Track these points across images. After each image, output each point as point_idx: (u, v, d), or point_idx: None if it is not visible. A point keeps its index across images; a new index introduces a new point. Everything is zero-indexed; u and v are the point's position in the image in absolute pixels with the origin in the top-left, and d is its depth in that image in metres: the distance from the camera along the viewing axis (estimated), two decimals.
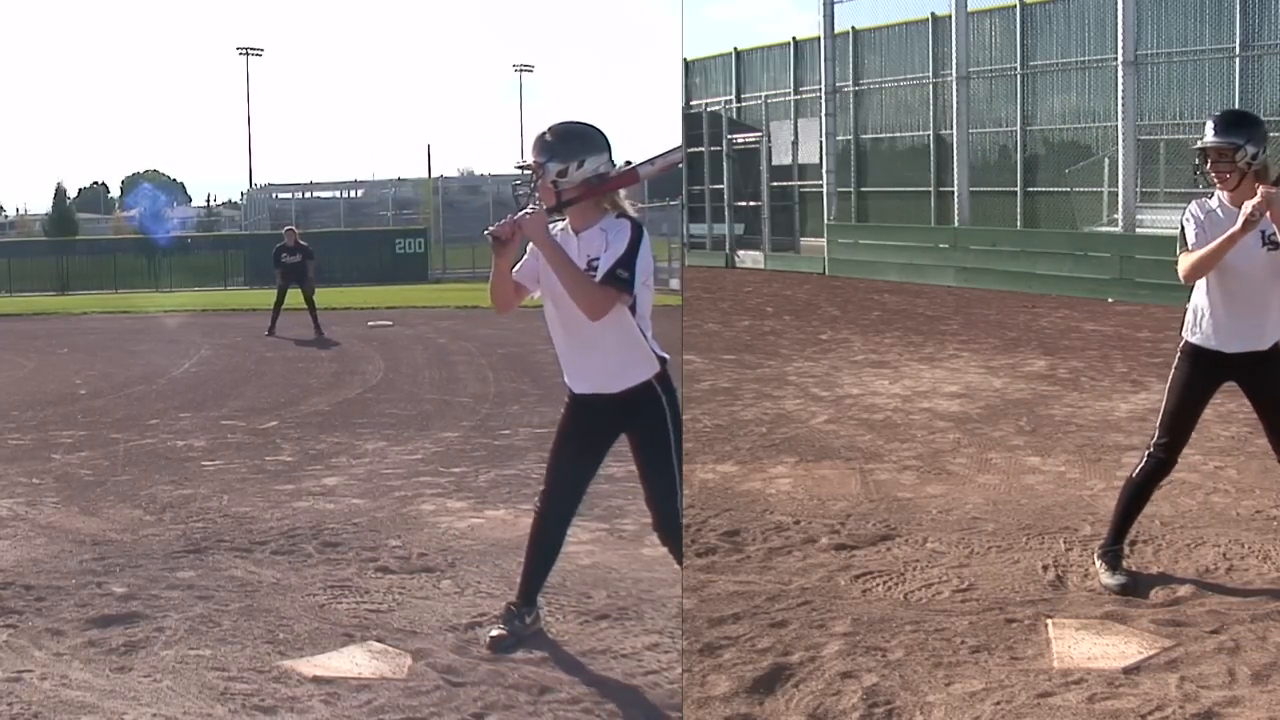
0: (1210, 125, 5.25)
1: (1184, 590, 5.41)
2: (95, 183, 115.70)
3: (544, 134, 4.64)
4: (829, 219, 27.90)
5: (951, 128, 25.67)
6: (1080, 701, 4.27)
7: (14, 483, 8.55)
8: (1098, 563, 5.58)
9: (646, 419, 4.71)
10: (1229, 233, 5.06)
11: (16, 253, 51.61)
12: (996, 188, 25.53)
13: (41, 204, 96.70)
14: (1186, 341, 5.43)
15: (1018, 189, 24.89)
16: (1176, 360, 5.49)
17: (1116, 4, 21.55)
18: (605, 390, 4.72)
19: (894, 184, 28.43)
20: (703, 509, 6.91)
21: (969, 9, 25.42)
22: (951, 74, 25.45)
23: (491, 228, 4.58)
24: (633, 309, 4.62)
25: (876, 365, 12.87)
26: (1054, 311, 18.15)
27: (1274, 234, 5.15)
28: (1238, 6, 21.62)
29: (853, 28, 28.93)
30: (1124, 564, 5.58)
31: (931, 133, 27.23)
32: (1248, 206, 5.03)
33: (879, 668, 4.58)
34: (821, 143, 28.39)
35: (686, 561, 5.92)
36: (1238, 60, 21.56)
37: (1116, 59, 21.54)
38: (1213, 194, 5.35)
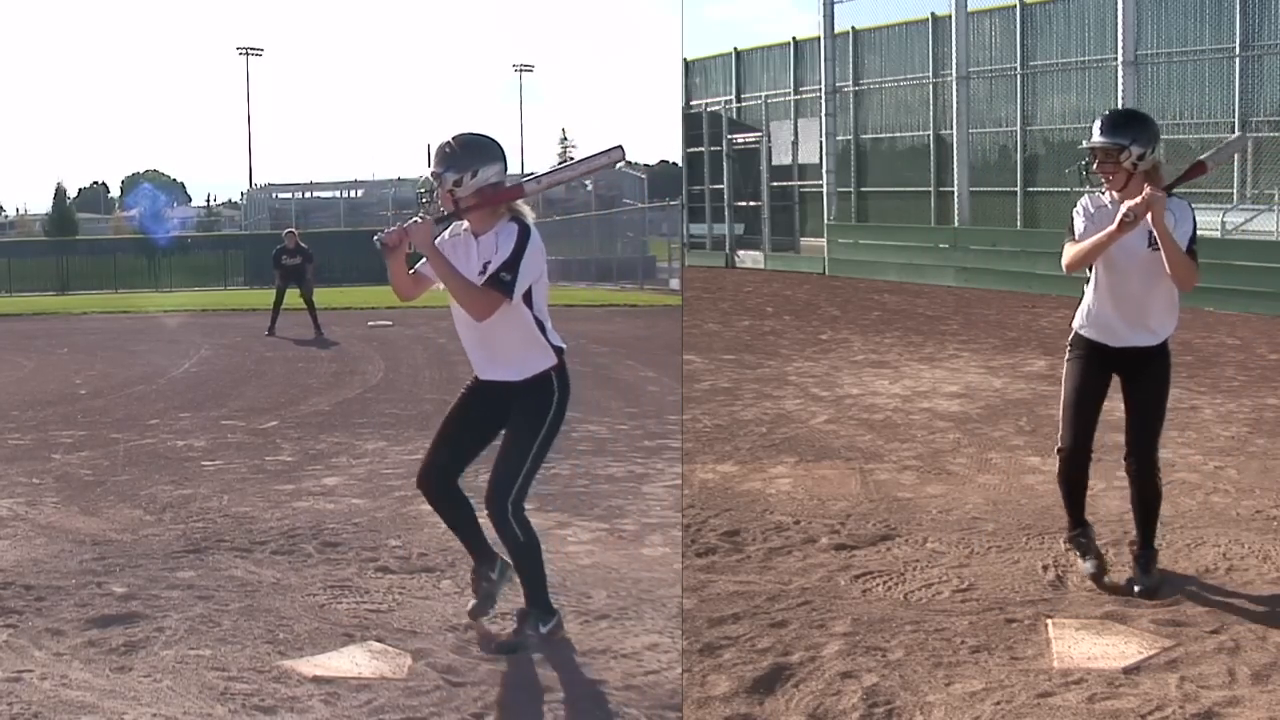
0: (1097, 125, 5.29)
1: (1184, 590, 5.41)
2: (95, 183, 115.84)
3: (445, 144, 4.92)
4: (829, 219, 27.91)
5: (951, 128, 25.68)
6: (1080, 701, 4.27)
7: (14, 483, 8.54)
8: (1070, 554, 5.67)
9: (533, 403, 4.95)
10: (1107, 230, 5.15)
11: (17, 253, 51.68)
12: (996, 188, 25.53)
13: (42, 204, 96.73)
14: (1076, 333, 5.54)
15: (1018, 189, 24.88)
16: (1068, 352, 5.60)
17: (1116, 4, 21.57)
18: (508, 379, 4.97)
19: (894, 184, 28.43)
20: (703, 509, 6.91)
21: (969, 9, 25.43)
22: (951, 74, 25.45)
23: (381, 235, 4.88)
24: (530, 303, 4.88)
25: (876, 365, 12.87)
26: (1054, 311, 18.13)
27: (1152, 234, 5.18)
28: (1238, 6, 21.61)
29: (853, 28, 28.94)
30: (1094, 547, 5.64)
31: (931, 133, 27.23)
32: (1124, 208, 5.07)
33: (879, 668, 4.58)
34: (821, 143, 28.40)
35: (686, 561, 5.94)
36: (1238, 60, 21.57)
37: (1116, 59, 21.55)
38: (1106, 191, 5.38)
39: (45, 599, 5.65)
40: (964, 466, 8.01)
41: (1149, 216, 5.10)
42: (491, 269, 4.80)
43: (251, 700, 4.45)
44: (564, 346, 5.03)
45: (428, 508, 7.37)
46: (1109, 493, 7.15)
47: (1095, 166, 5.31)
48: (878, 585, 5.56)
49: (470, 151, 4.87)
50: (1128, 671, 4.52)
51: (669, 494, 7.84)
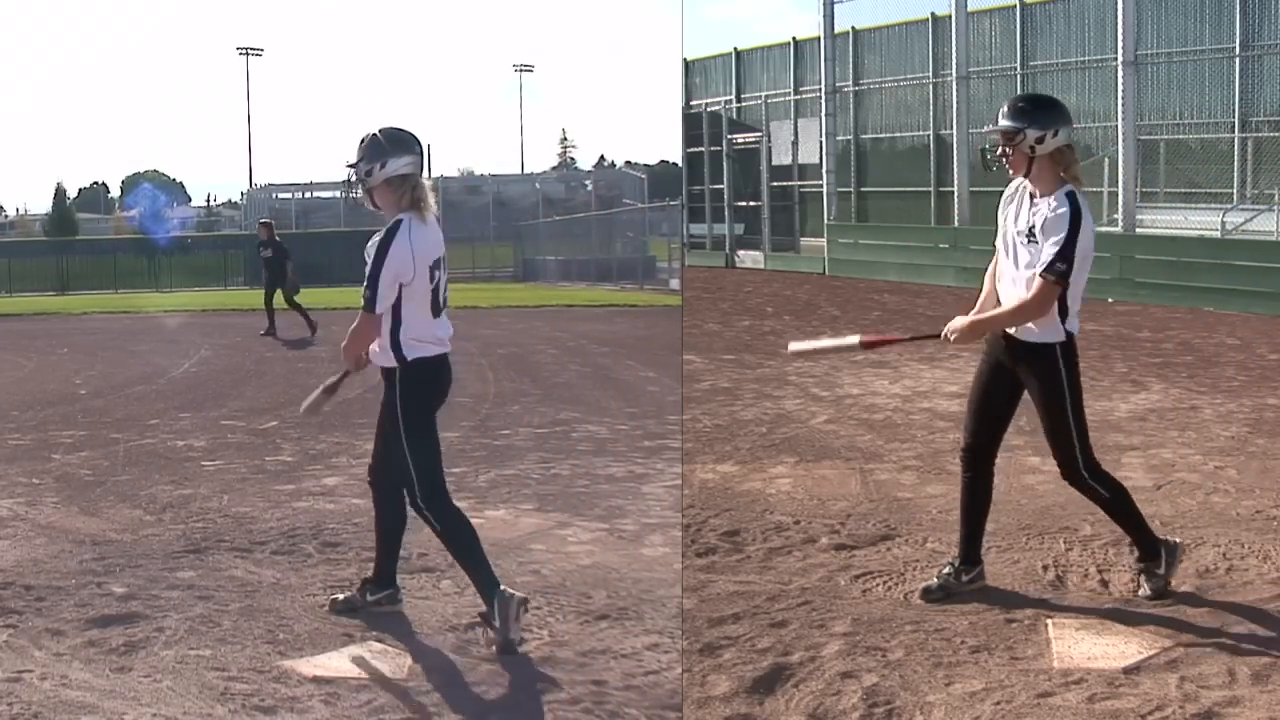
0: (1002, 110, 5.29)
1: (1184, 590, 5.41)
2: (95, 183, 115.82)
3: (369, 134, 5.17)
4: (829, 219, 27.89)
5: (951, 128, 25.66)
6: (1080, 701, 4.27)
7: (14, 483, 8.54)
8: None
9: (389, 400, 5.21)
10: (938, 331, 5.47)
11: (17, 253, 51.68)
12: (997, 188, 25.34)
13: (42, 204, 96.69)
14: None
15: None
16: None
17: (1116, 4, 21.54)
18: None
19: (894, 184, 28.43)
20: (703, 509, 6.91)
21: (969, 9, 25.41)
22: (951, 74, 25.44)
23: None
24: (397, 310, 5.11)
25: (876, 365, 12.86)
26: None
27: (1033, 227, 5.21)
28: (1238, 6, 21.63)
29: (853, 28, 28.94)
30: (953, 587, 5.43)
31: (931, 133, 27.24)
32: (949, 334, 5.36)
33: (879, 668, 4.58)
34: (821, 143, 28.38)
35: (686, 561, 5.93)
36: (1238, 60, 21.58)
37: (1116, 59, 21.52)
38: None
39: (45, 599, 5.65)
40: None
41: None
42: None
43: (251, 700, 4.45)
44: (408, 358, 5.15)
45: None
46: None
47: (998, 151, 5.31)
48: (878, 585, 5.56)
49: (385, 143, 5.09)
50: (1128, 671, 4.52)
51: (669, 494, 7.84)
